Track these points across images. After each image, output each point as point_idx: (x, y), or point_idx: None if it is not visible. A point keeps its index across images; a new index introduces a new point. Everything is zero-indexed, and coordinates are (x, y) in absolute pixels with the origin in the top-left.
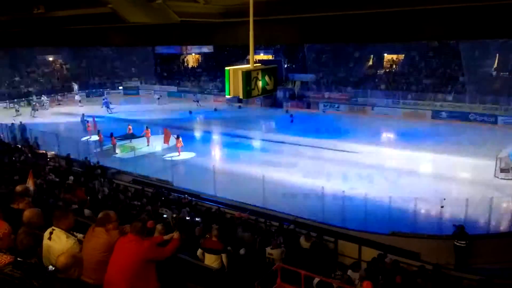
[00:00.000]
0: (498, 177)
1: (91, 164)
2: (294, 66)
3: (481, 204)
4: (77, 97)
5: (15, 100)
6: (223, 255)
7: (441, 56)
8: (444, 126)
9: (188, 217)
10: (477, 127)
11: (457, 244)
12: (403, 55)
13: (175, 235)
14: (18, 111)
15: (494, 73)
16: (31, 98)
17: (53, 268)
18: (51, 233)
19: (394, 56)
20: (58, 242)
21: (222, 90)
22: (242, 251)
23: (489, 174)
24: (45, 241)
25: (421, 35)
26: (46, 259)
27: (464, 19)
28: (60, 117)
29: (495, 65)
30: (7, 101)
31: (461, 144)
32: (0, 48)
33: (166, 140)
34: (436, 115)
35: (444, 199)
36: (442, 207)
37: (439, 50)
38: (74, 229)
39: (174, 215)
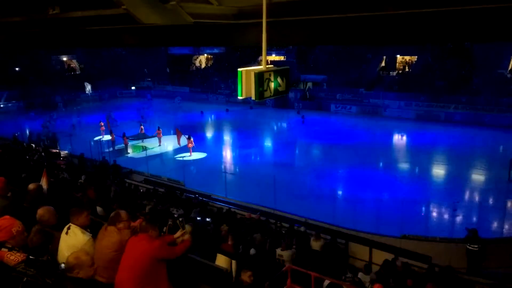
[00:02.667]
0: None
1: (109, 163)
2: (306, 67)
3: (494, 208)
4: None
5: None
6: (233, 262)
7: (454, 57)
8: (457, 128)
9: (198, 217)
10: (491, 129)
11: (470, 248)
12: (416, 56)
13: (187, 236)
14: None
15: (509, 75)
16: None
17: (64, 267)
18: (68, 228)
19: (407, 58)
20: (73, 237)
21: (234, 91)
22: (252, 251)
23: (503, 177)
24: (62, 236)
25: (435, 37)
26: (62, 254)
27: (478, 21)
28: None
29: (510, 67)
30: (22, 101)
31: (474, 147)
32: (16, 49)
33: (179, 140)
34: (449, 117)
35: (458, 202)
36: (455, 210)
37: (452, 51)
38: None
39: (181, 219)
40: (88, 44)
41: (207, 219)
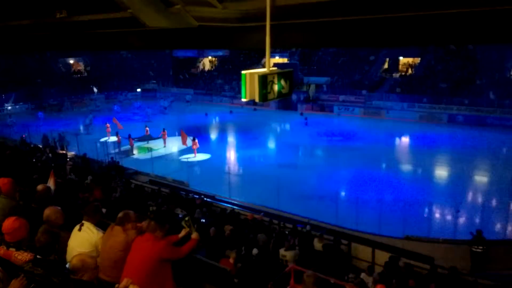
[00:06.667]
0: None
1: (119, 164)
2: (309, 69)
3: (497, 209)
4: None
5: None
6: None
7: (457, 59)
8: (460, 130)
9: (202, 218)
10: (494, 131)
11: (474, 250)
12: (419, 58)
13: (194, 235)
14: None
15: None
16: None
17: (69, 268)
18: (81, 225)
19: (410, 60)
20: (88, 233)
21: (237, 93)
22: (254, 251)
23: (506, 179)
24: (74, 233)
25: (438, 39)
26: (71, 253)
27: (481, 23)
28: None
29: None
30: (29, 103)
31: (477, 148)
32: (23, 52)
33: (184, 142)
34: (452, 119)
35: (460, 203)
36: (457, 211)
37: (455, 53)
38: None
39: (187, 218)
40: (95, 47)
41: (211, 219)
